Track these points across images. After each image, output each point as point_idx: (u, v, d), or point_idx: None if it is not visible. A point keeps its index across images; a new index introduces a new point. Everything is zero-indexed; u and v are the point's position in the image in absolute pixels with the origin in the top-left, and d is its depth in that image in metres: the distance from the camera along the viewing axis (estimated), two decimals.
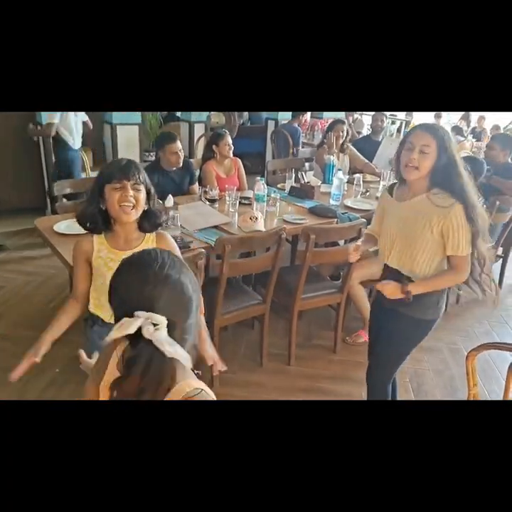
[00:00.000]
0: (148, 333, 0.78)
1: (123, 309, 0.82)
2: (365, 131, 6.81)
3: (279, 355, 2.66)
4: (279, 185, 3.50)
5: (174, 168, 3.04)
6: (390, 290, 1.65)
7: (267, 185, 3.00)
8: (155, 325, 0.79)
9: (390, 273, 1.75)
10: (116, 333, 0.80)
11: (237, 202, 2.81)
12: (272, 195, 2.88)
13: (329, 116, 6.04)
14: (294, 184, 3.36)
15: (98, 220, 1.52)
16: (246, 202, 2.97)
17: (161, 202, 2.62)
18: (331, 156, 3.60)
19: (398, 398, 2.04)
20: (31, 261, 3.64)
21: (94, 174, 3.90)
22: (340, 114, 5.99)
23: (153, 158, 5.07)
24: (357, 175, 3.54)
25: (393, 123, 7.75)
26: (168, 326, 0.81)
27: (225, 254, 2.14)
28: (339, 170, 3.31)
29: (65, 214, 2.61)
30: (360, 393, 2.37)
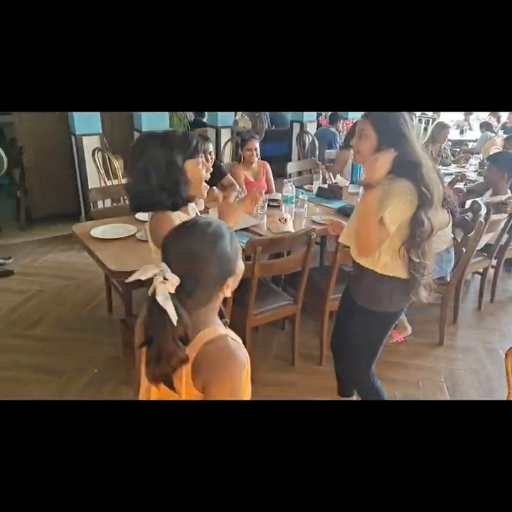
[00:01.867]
0: (156, 281, 0.88)
1: None
2: None
3: (310, 355, 2.67)
4: (306, 187, 3.51)
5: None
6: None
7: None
8: (165, 279, 0.88)
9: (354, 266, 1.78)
10: (134, 276, 0.90)
11: (266, 204, 2.84)
12: (300, 196, 2.90)
13: (355, 116, 6.01)
14: (321, 185, 3.37)
15: (182, 193, 1.39)
16: (274, 204, 3.01)
17: (194, 206, 2.69)
18: None
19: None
20: (67, 266, 3.77)
21: (126, 181, 4.02)
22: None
23: None
24: None
25: (420, 121, 7.65)
26: (179, 286, 0.88)
27: (255, 255, 2.18)
28: None
29: (100, 219, 2.70)
30: (394, 393, 2.35)
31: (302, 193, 3.01)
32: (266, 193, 3.15)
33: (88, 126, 4.23)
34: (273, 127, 6.82)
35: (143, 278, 0.89)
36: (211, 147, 3.09)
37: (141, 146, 1.43)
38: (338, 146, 5.37)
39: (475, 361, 2.72)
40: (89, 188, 3.74)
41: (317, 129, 6.04)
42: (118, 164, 3.82)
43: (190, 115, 5.91)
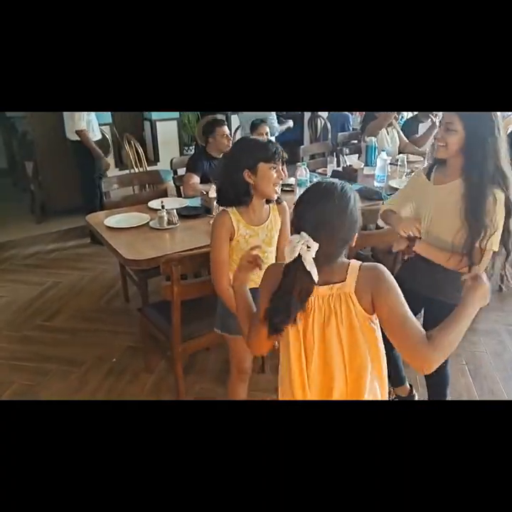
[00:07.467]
0: (302, 251, 0.98)
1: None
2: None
3: None
4: (320, 170, 3.45)
5: (220, 155, 3.04)
6: (405, 224, 1.62)
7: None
8: (308, 247, 0.98)
9: (418, 258, 1.68)
10: (287, 255, 1.01)
11: (280, 189, 2.78)
12: (315, 180, 2.84)
13: None
14: (335, 168, 3.31)
15: (244, 192, 1.53)
16: (288, 189, 2.96)
17: (205, 192, 2.66)
18: (373, 138, 3.52)
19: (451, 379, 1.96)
20: (83, 257, 3.79)
21: (137, 170, 4.00)
22: None
23: (193, 152, 5.16)
24: (401, 155, 3.44)
25: None
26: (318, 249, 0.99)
27: None
28: (382, 151, 3.22)
29: (114, 209, 2.69)
30: (415, 375, 2.31)
31: (316, 177, 2.96)
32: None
33: (98, 116, 4.21)
34: (284, 112, 6.71)
35: (296, 253, 0.98)
36: (227, 130, 3.06)
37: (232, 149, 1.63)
38: (351, 128, 5.27)
39: (497, 344, 2.66)
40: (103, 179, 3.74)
41: (329, 112, 5.93)
42: (131, 153, 3.80)
43: None
